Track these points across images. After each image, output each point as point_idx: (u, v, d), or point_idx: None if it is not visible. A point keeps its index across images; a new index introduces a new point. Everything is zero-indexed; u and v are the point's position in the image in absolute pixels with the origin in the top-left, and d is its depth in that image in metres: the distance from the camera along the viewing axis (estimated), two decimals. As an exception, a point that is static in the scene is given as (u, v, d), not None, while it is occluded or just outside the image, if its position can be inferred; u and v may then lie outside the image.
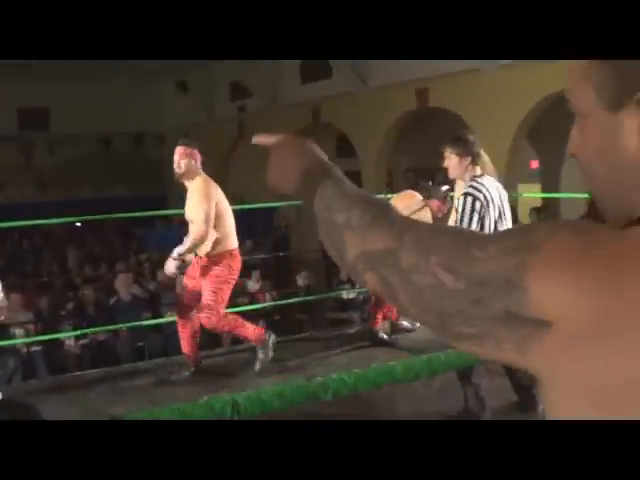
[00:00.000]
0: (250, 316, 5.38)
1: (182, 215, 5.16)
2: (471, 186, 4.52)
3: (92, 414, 4.16)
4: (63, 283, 11.18)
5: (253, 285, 9.87)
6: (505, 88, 11.01)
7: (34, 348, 7.79)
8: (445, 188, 5.34)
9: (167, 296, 9.38)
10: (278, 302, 8.53)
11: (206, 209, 4.74)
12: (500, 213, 4.62)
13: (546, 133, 12.07)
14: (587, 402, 0.71)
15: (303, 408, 4.84)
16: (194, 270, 4.95)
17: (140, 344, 8.52)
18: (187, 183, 4.92)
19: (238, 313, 5.44)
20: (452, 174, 4.67)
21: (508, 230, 0.86)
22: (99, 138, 20.73)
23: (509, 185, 8.39)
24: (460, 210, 4.46)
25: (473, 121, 11.96)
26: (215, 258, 4.82)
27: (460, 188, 5.71)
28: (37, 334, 7.81)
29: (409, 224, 0.87)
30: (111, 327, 7.44)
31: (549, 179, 13.53)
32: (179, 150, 4.89)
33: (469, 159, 4.56)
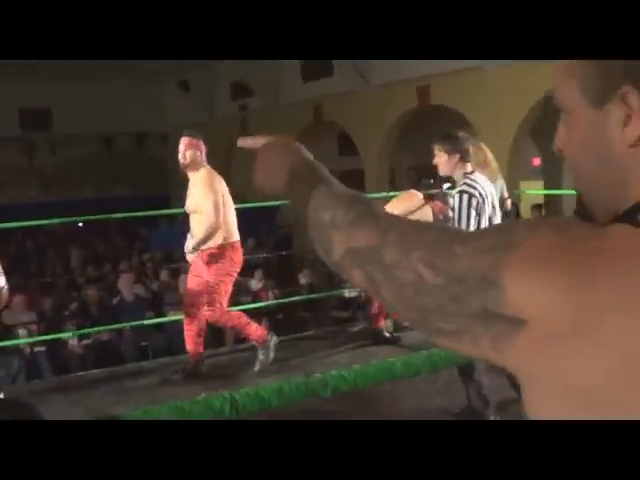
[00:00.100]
0: (253, 315, 5.37)
1: (185, 215, 5.16)
2: (465, 183, 4.51)
3: (95, 414, 4.16)
4: (66, 283, 11.20)
5: (256, 284, 9.88)
6: (507, 85, 11.00)
7: (38, 348, 7.79)
8: (447, 186, 5.33)
9: (170, 295, 9.40)
10: (281, 301, 8.53)
11: (214, 199, 4.73)
12: (493, 209, 4.63)
13: (548, 130, 12.03)
14: (566, 401, 0.71)
15: (305, 405, 4.84)
16: (198, 267, 4.95)
17: (143, 344, 8.53)
18: (191, 174, 4.91)
19: (241, 312, 5.44)
20: (442, 171, 4.67)
21: (489, 227, 0.86)
22: (101, 138, 20.74)
23: (511, 182, 8.39)
24: (457, 208, 4.44)
25: (475, 118, 11.95)
26: (216, 251, 4.82)
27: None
28: (40, 334, 7.82)
29: (393, 221, 0.87)
30: (114, 327, 7.44)
31: (551, 176, 13.52)
32: (184, 141, 4.89)
33: (458, 156, 4.55)
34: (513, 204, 7.13)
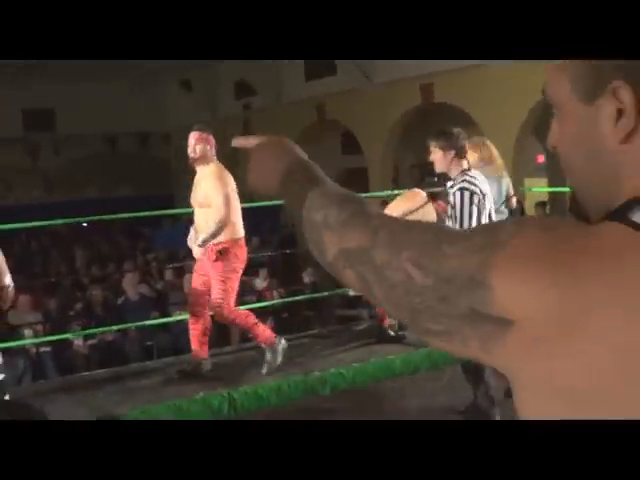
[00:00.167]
0: (258, 314, 5.37)
1: (189, 214, 5.15)
2: (465, 180, 4.47)
3: (100, 414, 4.16)
4: (71, 283, 11.21)
5: (260, 283, 9.87)
6: (511, 83, 10.98)
7: (43, 349, 7.81)
8: (450, 184, 5.32)
9: (175, 295, 9.40)
10: (286, 300, 8.53)
11: (225, 192, 4.73)
12: (491, 207, 4.61)
13: (552, 127, 12.02)
14: (555, 402, 0.70)
15: (307, 401, 4.82)
16: (204, 266, 4.94)
17: (148, 343, 8.53)
18: (200, 168, 4.90)
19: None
20: (438, 168, 4.64)
21: (478, 227, 0.86)
22: (104, 138, 20.77)
23: (516, 180, 8.38)
24: (458, 205, 4.41)
25: (479, 116, 11.94)
26: (222, 247, 4.81)
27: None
28: (46, 334, 7.83)
29: (384, 220, 0.87)
30: (119, 326, 7.44)
31: (555, 173, 13.48)
32: (194, 135, 4.90)
33: (453, 152, 4.52)
34: (518, 202, 7.11)
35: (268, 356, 4.90)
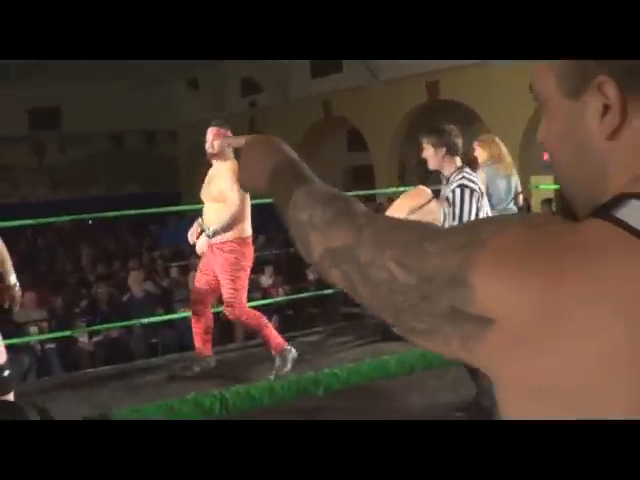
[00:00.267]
0: (263, 311, 5.36)
1: (194, 211, 5.15)
2: (464, 177, 4.41)
3: (103, 411, 4.16)
4: (76, 281, 11.23)
5: (266, 280, 9.88)
6: (517, 80, 10.95)
7: (48, 345, 7.82)
8: (445, 181, 5.29)
9: (180, 292, 9.41)
10: (291, 297, 8.53)
11: (240, 190, 4.73)
12: (488, 207, 4.59)
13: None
14: (535, 402, 0.69)
15: (310, 399, 4.80)
16: (208, 265, 4.94)
17: (153, 340, 8.54)
18: (217, 163, 4.90)
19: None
20: (430, 165, 4.58)
21: (461, 225, 0.85)
22: (111, 136, 20.82)
23: (522, 177, 8.35)
24: (458, 202, 4.33)
25: (485, 113, 11.92)
26: (229, 245, 4.80)
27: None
28: (51, 331, 7.84)
29: (369, 219, 0.86)
30: (124, 323, 7.46)
31: (562, 171, 13.45)
32: (212, 130, 4.90)
33: (444, 150, 4.45)
34: (524, 199, 7.09)
35: (277, 363, 4.88)
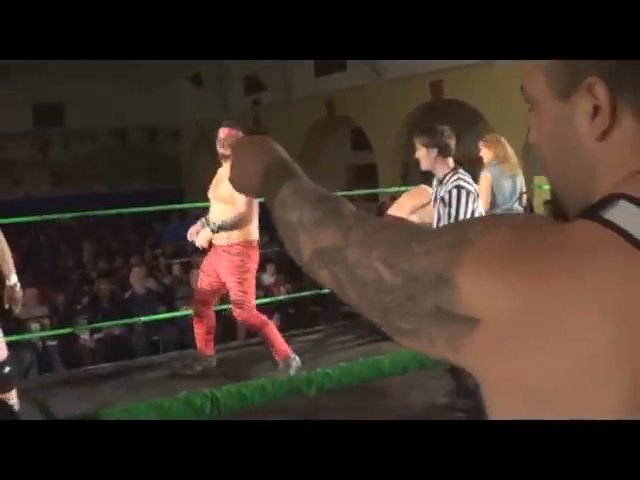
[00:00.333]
0: (265, 309, 5.35)
1: (196, 209, 5.14)
2: (459, 178, 4.37)
3: (103, 407, 4.16)
4: (78, 277, 11.23)
5: (268, 278, 9.88)
6: (520, 80, 10.94)
7: (50, 342, 7.82)
8: (436, 182, 5.28)
9: (182, 290, 9.41)
10: (292, 295, 8.53)
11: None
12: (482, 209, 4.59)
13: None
14: (521, 402, 0.69)
15: (309, 399, 4.79)
16: (210, 266, 4.93)
17: (155, 338, 8.54)
18: (227, 164, 4.88)
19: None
20: (423, 165, 4.56)
21: (448, 225, 0.85)
22: (114, 132, 20.83)
23: (526, 177, 8.33)
24: (455, 203, 4.30)
25: (489, 113, 11.90)
26: (235, 248, 4.79)
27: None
28: (53, 328, 7.84)
29: (358, 220, 0.86)
30: (125, 321, 7.46)
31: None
32: (224, 131, 4.89)
33: (436, 150, 4.43)
34: (527, 199, 7.08)
35: (281, 368, 4.87)
